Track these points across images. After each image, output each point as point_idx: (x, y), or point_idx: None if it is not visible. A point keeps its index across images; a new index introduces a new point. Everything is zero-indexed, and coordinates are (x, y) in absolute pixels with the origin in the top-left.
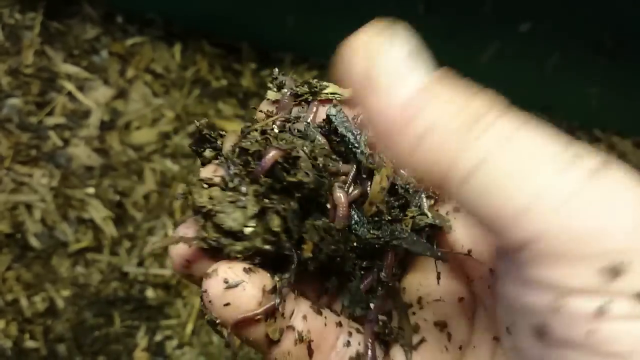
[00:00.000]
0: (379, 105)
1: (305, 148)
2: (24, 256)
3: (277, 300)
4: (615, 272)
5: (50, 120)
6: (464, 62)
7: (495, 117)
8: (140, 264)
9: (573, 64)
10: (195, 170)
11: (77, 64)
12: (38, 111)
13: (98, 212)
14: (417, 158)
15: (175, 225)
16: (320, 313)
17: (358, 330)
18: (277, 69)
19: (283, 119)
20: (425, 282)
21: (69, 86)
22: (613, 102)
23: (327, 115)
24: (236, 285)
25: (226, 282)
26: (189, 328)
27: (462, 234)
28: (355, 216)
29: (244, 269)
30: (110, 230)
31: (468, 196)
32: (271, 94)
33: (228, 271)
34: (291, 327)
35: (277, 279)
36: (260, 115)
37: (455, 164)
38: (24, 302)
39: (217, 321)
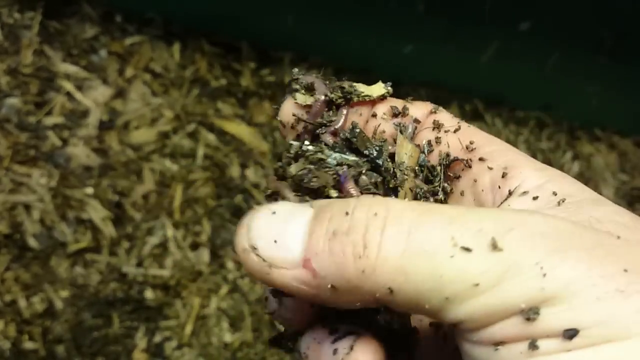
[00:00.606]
0: (284, 279)
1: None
2: (23, 257)
3: None
4: (532, 316)
5: (49, 120)
6: (464, 61)
7: (378, 239)
8: (139, 264)
9: (573, 63)
10: (195, 170)
11: (76, 64)
12: (37, 111)
13: (97, 212)
14: (338, 303)
15: (175, 225)
16: None
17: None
18: (296, 69)
19: (312, 128)
20: None
21: (68, 86)
22: (613, 101)
23: (347, 138)
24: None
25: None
26: (188, 329)
27: None
28: None
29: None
30: (109, 230)
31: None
32: (301, 98)
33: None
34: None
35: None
36: (285, 117)
37: (372, 296)
38: (22, 302)
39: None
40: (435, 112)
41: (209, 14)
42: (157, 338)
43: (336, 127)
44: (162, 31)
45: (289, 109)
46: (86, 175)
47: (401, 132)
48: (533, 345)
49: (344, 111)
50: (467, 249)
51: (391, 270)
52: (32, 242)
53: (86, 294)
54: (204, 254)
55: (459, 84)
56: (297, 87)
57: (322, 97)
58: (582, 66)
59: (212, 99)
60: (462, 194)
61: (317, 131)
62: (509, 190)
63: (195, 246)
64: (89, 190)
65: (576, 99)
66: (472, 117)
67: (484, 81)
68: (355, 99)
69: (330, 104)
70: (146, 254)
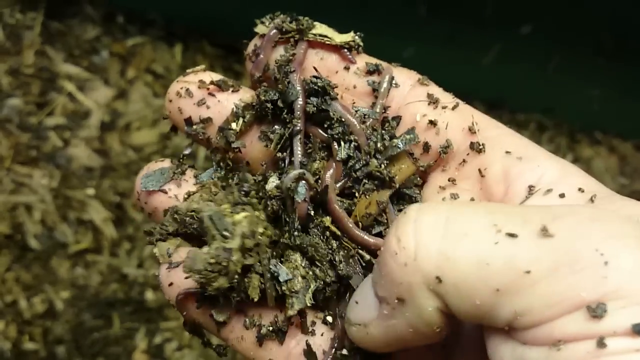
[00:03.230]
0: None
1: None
2: (24, 257)
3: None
4: (599, 313)
5: (51, 121)
6: (465, 64)
7: (412, 229)
8: (140, 265)
9: (574, 66)
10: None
11: (78, 64)
12: (38, 111)
13: (98, 213)
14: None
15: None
16: None
17: (324, 321)
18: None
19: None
20: None
21: (69, 86)
22: (614, 105)
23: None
24: (177, 266)
25: (170, 264)
26: None
27: None
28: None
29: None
30: (110, 231)
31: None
32: (261, 28)
33: (174, 255)
34: (242, 312)
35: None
36: (249, 50)
37: (426, 289)
38: (23, 303)
39: (172, 304)
40: (425, 84)
41: (210, 15)
42: (158, 339)
43: (298, 61)
44: (164, 32)
45: (252, 43)
46: (87, 176)
47: (389, 122)
48: (601, 344)
49: (303, 46)
50: (513, 235)
51: (433, 256)
52: (33, 243)
53: (87, 295)
54: None
55: (459, 87)
56: (264, 20)
57: (274, 28)
58: (582, 69)
59: None
60: (453, 181)
61: (286, 69)
62: (529, 186)
63: None
64: (90, 191)
65: (577, 102)
66: None
67: (485, 84)
68: (311, 36)
69: (284, 34)
70: (147, 255)
